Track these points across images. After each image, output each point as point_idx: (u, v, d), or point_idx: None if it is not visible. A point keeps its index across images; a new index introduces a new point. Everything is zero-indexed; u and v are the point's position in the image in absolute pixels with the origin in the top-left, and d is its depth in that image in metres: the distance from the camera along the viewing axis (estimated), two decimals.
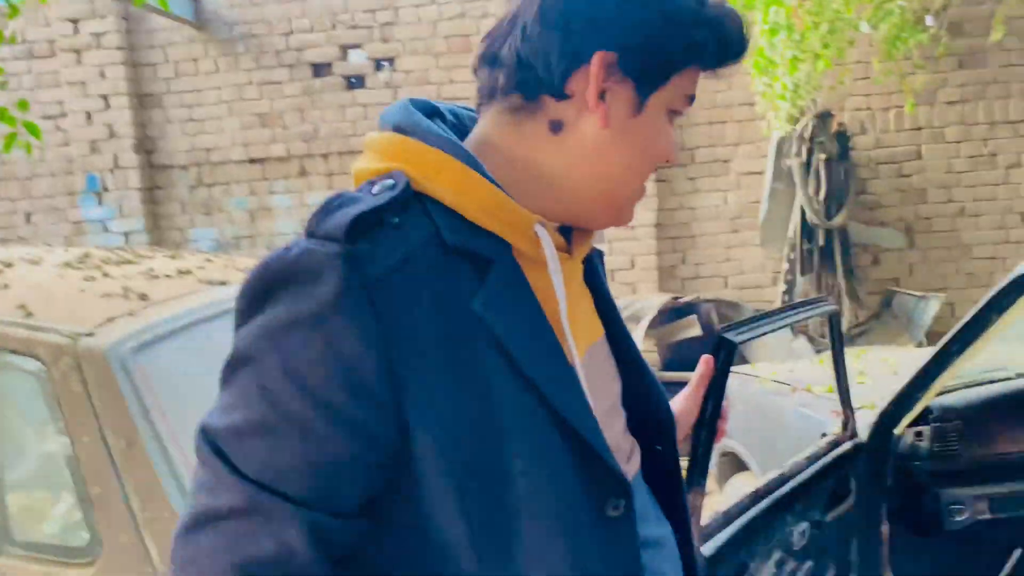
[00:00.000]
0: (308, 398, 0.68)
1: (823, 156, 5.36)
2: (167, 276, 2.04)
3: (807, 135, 5.33)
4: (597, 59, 0.75)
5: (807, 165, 5.36)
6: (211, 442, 0.70)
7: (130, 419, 1.55)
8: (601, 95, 0.77)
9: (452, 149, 0.76)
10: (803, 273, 5.52)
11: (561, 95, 0.77)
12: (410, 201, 0.73)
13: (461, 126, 0.86)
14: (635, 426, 0.92)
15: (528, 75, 0.77)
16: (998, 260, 5.83)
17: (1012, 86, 5.73)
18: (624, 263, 5.96)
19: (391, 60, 6.11)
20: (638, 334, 4.78)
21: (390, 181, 0.73)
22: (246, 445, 0.69)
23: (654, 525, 0.90)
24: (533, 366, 0.74)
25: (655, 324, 5.11)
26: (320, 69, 6.16)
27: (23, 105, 3.27)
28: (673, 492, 0.95)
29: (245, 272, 0.75)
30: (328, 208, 0.72)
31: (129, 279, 1.98)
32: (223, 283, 2.04)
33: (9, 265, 2.02)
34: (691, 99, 0.83)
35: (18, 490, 1.71)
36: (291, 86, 6.16)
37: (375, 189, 0.73)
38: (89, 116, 6.17)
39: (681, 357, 5.15)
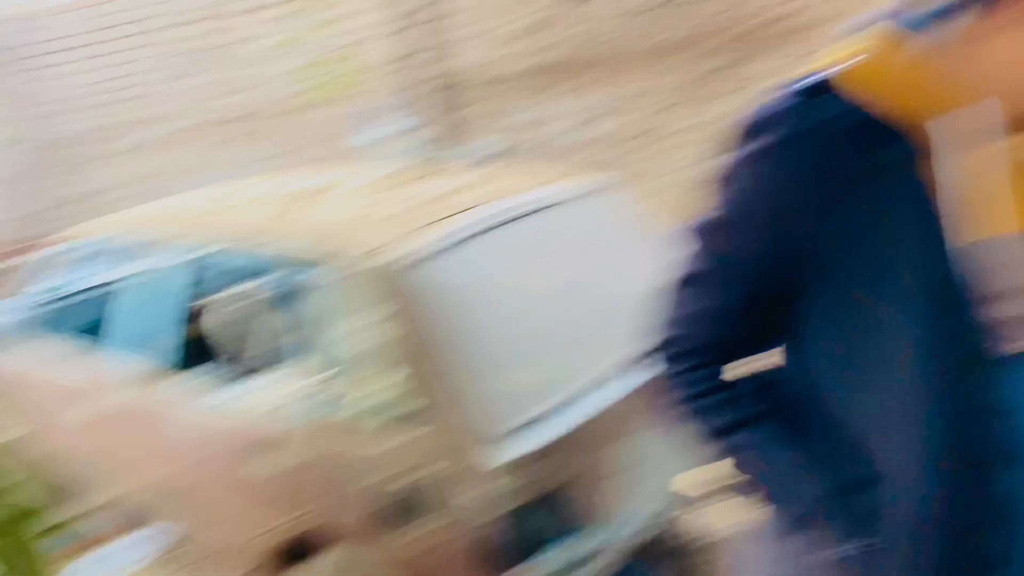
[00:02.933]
0: None
1: None
2: (449, 192, 2.30)
3: None
4: None
5: None
6: None
7: (411, 321, 1.89)
8: None
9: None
10: None
11: None
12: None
13: None
14: None
15: None
16: None
17: None
18: None
19: None
20: None
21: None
22: None
23: None
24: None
25: None
26: None
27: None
28: None
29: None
30: None
31: (415, 198, 2.26)
32: (500, 197, 2.24)
33: (319, 190, 2.38)
34: None
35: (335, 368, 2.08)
36: None
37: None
38: (378, 40, 6.66)
39: None
